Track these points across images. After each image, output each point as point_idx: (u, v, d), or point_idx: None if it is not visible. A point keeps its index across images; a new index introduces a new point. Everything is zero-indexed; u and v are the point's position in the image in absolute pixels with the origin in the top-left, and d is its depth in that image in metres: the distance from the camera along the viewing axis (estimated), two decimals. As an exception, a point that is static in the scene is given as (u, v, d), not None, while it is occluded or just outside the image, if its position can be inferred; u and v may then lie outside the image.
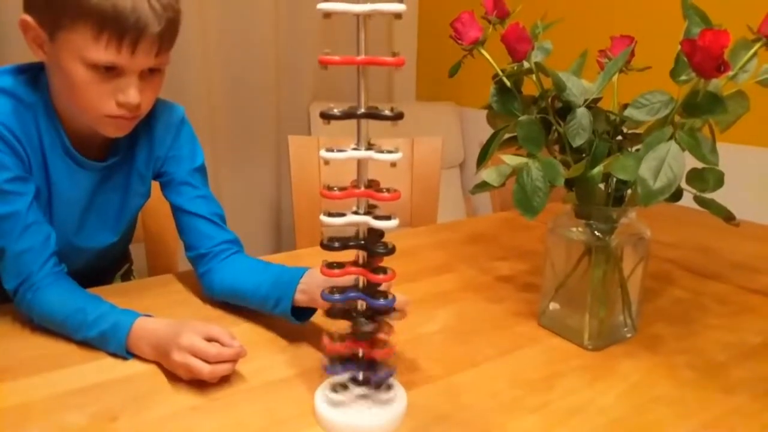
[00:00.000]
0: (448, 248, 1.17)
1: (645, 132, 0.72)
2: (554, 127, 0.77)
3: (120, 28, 0.71)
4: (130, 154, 0.90)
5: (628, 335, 0.82)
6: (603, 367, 0.75)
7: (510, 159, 0.75)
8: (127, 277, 1.16)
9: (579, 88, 0.74)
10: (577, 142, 0.72)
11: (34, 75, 0.81)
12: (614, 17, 1.87)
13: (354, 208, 0.58)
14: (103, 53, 0.72)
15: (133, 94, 0.75)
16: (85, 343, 0.75)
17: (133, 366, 0.72)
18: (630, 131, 0.79)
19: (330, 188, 0.56)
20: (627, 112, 0.68)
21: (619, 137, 0.79)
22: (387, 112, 0.54)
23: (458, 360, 0.76)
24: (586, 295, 0.79)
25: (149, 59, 0.75)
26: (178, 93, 1.88)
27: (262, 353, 0.76)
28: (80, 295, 0.78)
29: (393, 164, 0.55)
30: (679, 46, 0.62)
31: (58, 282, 0.79)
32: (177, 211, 0.91)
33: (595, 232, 0.78)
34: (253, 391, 0.68)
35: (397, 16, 0.51)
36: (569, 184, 0.76)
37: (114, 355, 0.74)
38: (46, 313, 0.77)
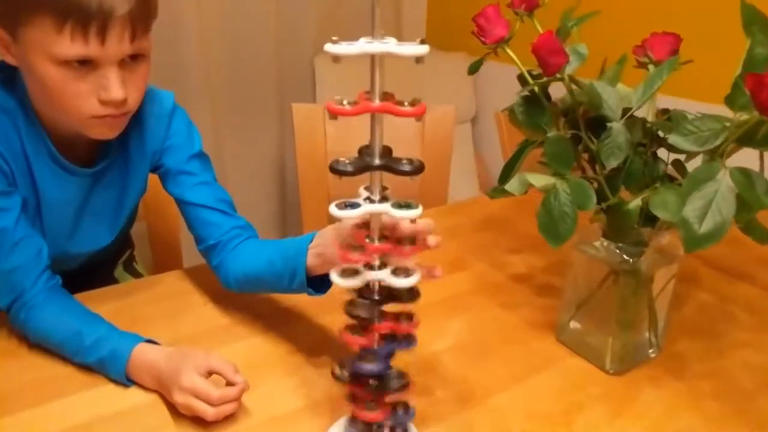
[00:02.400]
0: (459, 237, 1.12)
1: (689, 156, 0.65)
2: (584, 142, 0.70)
3: (83, 16, 0.63)
4: (122, 153, 0.83)
5: (652, 355, 0.78)
6: (625, 398, 0.71)
7: (536, 179, 0.68)
8: (129, 264, 1.13)
9: (615, 100, 0.66)
10: (612, 164, 0.65)
11: (8, 76, 0.73)
12: (651, 8, 1.68)
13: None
14: (69, 46, 0.64)
15: (115, 88, 0.68)
16: (85, 366, 0.72)
17: (134, 396, 0.69)
18: (664, 135, 0.72)
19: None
20: (672, 140, 0.61)
21: (654, 148, 0.72)
22: (405, 164, 0.48)
23: (472, 388, 0.72)
24: (609, 317, 0.75)
25: (124, 46, 0.67)
26: (173, 52, 1.77)
27: (268, 377, 0.73)
28: (75, 316, 0.74)
29: (412, 220, 0.49)
30: (740, 76, 0.55)
31: (51, 299, 0.75)
32: (180, 203, 0.85)
33: (624, 255, 0.72)
34: (260, 428, 0.65)
35: (419, 59, 0.43)
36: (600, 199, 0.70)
37: (114, 380, 0.71)
38: (42, 334, 0.74)
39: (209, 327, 0.83)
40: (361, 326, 0.53)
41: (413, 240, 0.52)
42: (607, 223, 0.70)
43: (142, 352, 0.69)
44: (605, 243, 0.75)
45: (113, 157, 0.83)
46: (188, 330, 0.82)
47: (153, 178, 0.90)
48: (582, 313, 0.79)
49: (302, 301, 0.88)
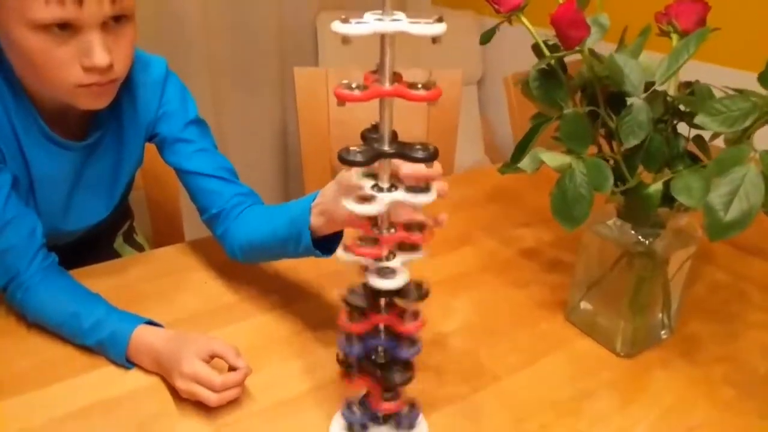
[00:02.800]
0: (466, 210, 1.09)
1: (714, 135, 0.62)
2: (603, 119, 0.66)
3: None
4: (115, 124, 0.80)
5: (664, 336, 0.77)
6: (635, 384, 0.70)
7: (550, 158, 0.65)
8: (129, 235, 1.10)
9: (638, 75, 0.62)
10: (631, 142, 0.62)
11: None
12: None
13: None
14: (44, 9, 0.61)
15: (98, 53, 0.64)
16: (85, 347, 0.71)
17: (136, 379, 0.68)
18: (687, 109, 0.68)
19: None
20: (699, 120, 0.57)
21: (676, 121, 0.68)
22: (419, 150, 0.44)
23: (480, 371, 0.71)
24: (621, 299, 0.72)
25: (104, 6, 0.63)
26: (171, 16, 1.70)
27: (273, 359, 0.71)
28: (73, 297, 0.72)
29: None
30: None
31: (48, 279, 0.73)
32: (179, 173, 0.82)
33: (639, 237, 0.69)
34: (265, 414, 0.64)
35: (435, 40, 0.40)
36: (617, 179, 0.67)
37: (114, 361, 0.69)
38: (39, 315, 0.72)
39: (211, 306, 0.81)
40: (361, 314, 0.51)
41: (421, 226, 0.49)
42: (624, 204, 0.67)
43: (142, 335, 0.67)
44: (619, 223, 0.73)
45: (106, 128, 0.79)
46: (189, 309, 0.80)
47: (150, 147, 0.87)
48: (593, 294, 0.77)
49: (309, 276, 0.86)
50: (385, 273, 0.48)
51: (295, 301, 0.82)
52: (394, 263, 0.49)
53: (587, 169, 0.63)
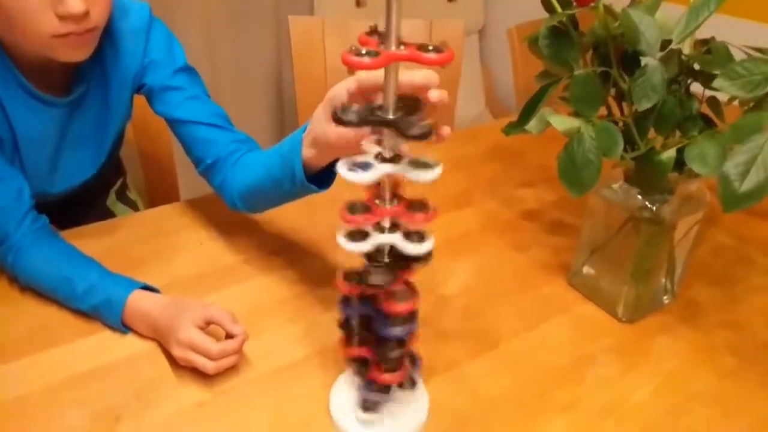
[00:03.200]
0: (466, 169, 1.06)
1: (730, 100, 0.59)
2: (615, 79, 0.63)
3: None
4: (100, 78, 0.76)
5: (666, 301, 0.76)
6: (637, 350, 0.69)
7: (558, 121, 0.62)
8: (122, 193, 1.08)
9: (654, 33, 0.58)
10: (644, 105, 0.59)
11: None
12: None
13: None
14: None
15: (72, 0, 0.61)
16: (79, 312, 0.70)
17: (132, 344, 0.67)
18: (702, 69, 0.65)
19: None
20: (717, 83, 0.54)
21: (689, 81, 0.65)
22: (415, 129, 0.41)
23: (480, 336, 0.70)
24: (625, 264, 0.71)
25: None
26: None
27: (272, 324, 0.71)
28: (65, 260, 0.70)
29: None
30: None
31: (39, 242, 0.71)
32: (171, 123, 0.79)
33: (646, 202, 0.67)
34: (263, 381, 0.64)
35: None
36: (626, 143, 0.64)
37: (110, 326, 0.68)
38: (32, 279, 0.71)
39: (207, 268, 0.80)
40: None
41: (424, 205, 0.47)
42: (633, 170, 0.65)
43: (137, 301, 0.66)
44: (625, 187, 0.70)
45: (90, 82, 0.76)
46: (185, 271, 0.79)
47: (141, 100, 0.84)
48: (596, 259, 0.75)
49: (310, 236, 0.85)
50: (413, 237, 0.46)
51: (296, 263, 0.80)
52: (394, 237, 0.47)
53: (596, 134, 0.60)
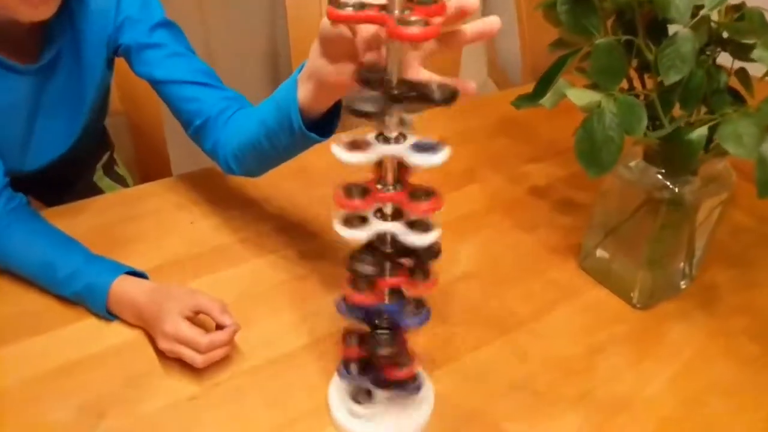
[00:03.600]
0: (471, 142, 1.01)
1: None
2: (640, 49, 0.57)
3: None
4: (71, 40, 0.71)
5: (683, 286, 0.72)
6: (651, 338, 0.66)
7: (577, 96, 0.57)
8: (110, 167, 1.03)
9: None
10: (672, 78, 0.54)
11: None
12: None
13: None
14: None
15: None
16: (62, 298, 0.66)
17: (118, 333, 0.63)
18: (732, 38, 0.59)
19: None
20: (756, 54, 0.49)
21: (719, 50, 0.60)
22: (435, 92, 0.37)
23: (486, 324, 0.66)
24: (642, 248, 0.67)
25: None
26: None
27: (266, 311, 0.67)
28: (46, 243, 0.66)
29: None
30: None
31: (16, 224, 0.66)
32: (154, 85, 0.73)
33: (667, 182, 0.63)
34: (258, 372, 0.60)
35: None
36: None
37: (95, 313, 0.65)
38: (11, 263, 0.66)
39: (198, 249, 0.75)
40: (367, 281, 0.45)
41: (429, 192, 0.42)
42: (657, 149, 0.60)
43: (121, 287, 0.62)
44: (642, 165, 0.66)
45: (60, 46, 0.70)
46: (174, 252, 0.74)
47: (126, 66, 0.78)
48: (610, 241, 0.71)
49: (308, 215, 0.81)
50: (417, 226, 0.42)
51: (294, 242, 0.76)
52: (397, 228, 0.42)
53: (618, 109, 0.55)
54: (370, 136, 0.40)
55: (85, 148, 0.91)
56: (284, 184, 0.86)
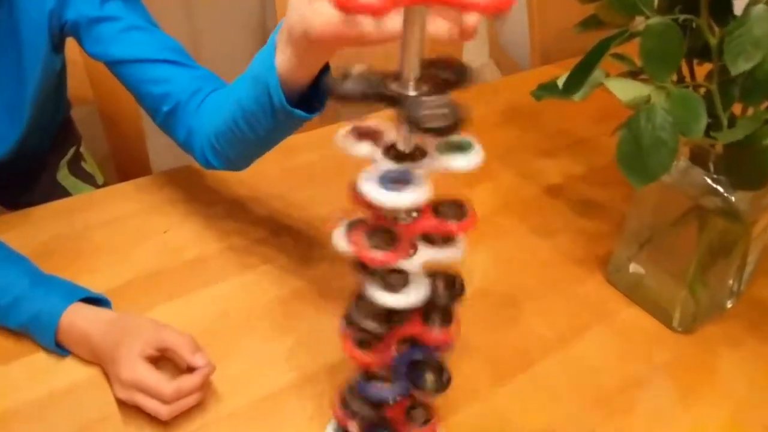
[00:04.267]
0: (478, 135, 0.91)
1: None
2: (693, 28, 0.48)
3: None
4: (6, 21, 0.60)
5: (729, 305, 0.63)
6: (698, 368, 0.57)
7: (620, 88, 0.47)
8: (75, 164, 0.92)
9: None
10: (740, 67, 0.44)
11: None
12: None
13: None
14: None
15: None
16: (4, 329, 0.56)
17: (73, 369, 0.53)
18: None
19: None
20: None
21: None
22: (432, 113, 0.27)
23: (506, 354, 0.57)
24: (685, 263, 0.58)
25: None
26: None
27: (247, 341, 0.57)
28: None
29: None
30: None
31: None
32: (111, 67, 0.62)
33: (720, 188, 0.53)
34: (238, 418, 0.50)
35: None
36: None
37: (45, 347, 0.55)
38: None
39: (172, 263, 0.65)
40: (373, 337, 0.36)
41: (461, 210, 0.32)
42: (715, 153, 0.50)
43: (73, 318, 0.52)
44: (687, 165, 0.56)
45: None
46: (144, 267, 0.64)
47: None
48: (646, 254, 0.62)
49: (299, 222, 0.71)
50: (394, 283, 0.32)
51: (282, 255, 0.66)
52: (412, 264, 0.33)
53: (672, 105, 0.45)
54: (377, 153, 0.30)
55: (40, 143, 0.80)
56: (275, 183, 0.76)
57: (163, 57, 0.60)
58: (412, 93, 0.28)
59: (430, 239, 0.34)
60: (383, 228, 0.31)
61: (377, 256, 0.30)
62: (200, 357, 0.48)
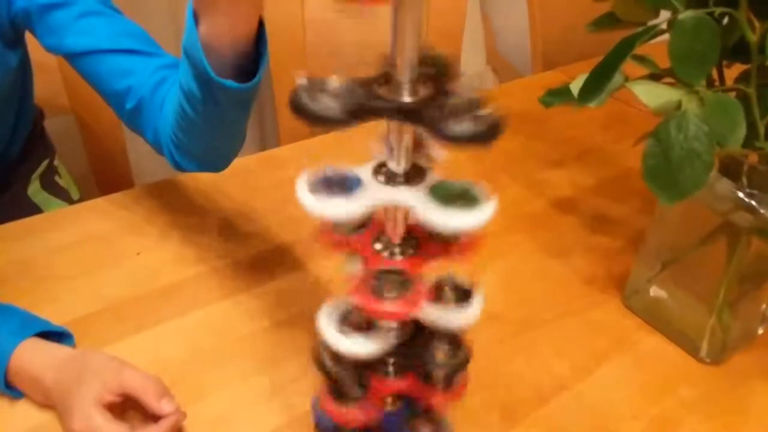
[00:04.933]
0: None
1: None
2: (728, 24, 0.42)
3: None
4: None
5: (761, 332, 0.57)
6: (732, 405, 0.51)
7: (647, 93, 0.41)
8: (48, 178, 0.86)
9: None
10: (784, 67, 0.38)
11: None
12: None
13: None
14: None
15: None
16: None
17: (27, 414, 0.47)
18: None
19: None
20: None
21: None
22: (461, 119, 0.21)
23: (515, 391, 0.51)
24: (713, 286, 0.52)
25: None
26: None
27: (225, 378, 0.51)
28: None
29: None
30: None
31: None
32: (69, 60, 0.57)
33: (758, 206, 0.48)
34: (212, 472, 0.44)
35: None
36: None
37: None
38: None
39: (143, 289, 0.59)
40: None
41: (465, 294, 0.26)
42: (751, 167, 0.45)
43: (24, 356, 0.46)
44: (717, 177, 0.50)
45: None
46: (113, 294, 0.58)
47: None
48: (669, 276, 0.56)
49: (284, 240, 0.65)
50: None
51: (264, 281, 0.60)
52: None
53: (707, 112, 0.40)
54: (365, 170, 0.24)
55: (5, 152, 0.74)
56: (264, 198, 0.70)
57: (123, 46, 0.55)
58: (410, 98, 0.22)
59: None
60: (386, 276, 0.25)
61: (387, 308, 0.24)
62: (167, 403, 0.42)
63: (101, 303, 0.57)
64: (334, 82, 0.22)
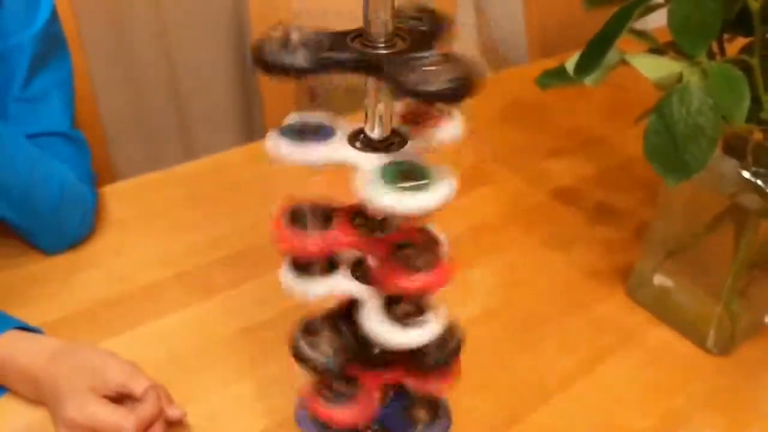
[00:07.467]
0: (476, 132, 0.83)
1: None
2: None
3: None
4: None
5: (767, 320, 0.54)
6: (743, 398, 0.48)
7: (646, 65, 0.39)
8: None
9: None
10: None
11: None
12: None
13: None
14: None
15: None
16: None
17: (14, 413, 0.44)
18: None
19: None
20: None
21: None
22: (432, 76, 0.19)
23: (521, 386, 0.49)
24: (721, 274, 0.49)
25: None
26: None
27: (207, 382, 0.48)
28: None
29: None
30: None
31: None
32: None
33: (760, 182, 0.45)
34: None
35: None
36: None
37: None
38: None
39: (123, 289, 0.56)
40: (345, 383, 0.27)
41: (430, 244, 0.24)
42: (753, 142, 0.42)
43: (9, 351, 0.44)
44: (721, 157, 0.48)
45: None
46: (92, 295, 0.56)
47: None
48: (674, 264, 0.53)
49: (266, 239, 0.62)
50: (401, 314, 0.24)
51: (247, 281, 0.57)
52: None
53: (710, 84, 0.37)
54: (341, 131, 0.22)
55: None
56: (246, 195, 0.68)
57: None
58: (386, 51, 0.19)
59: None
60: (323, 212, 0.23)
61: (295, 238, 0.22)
62: (173, 407, 0.41)
63: (73, 306, 0.54)
64: (304, 32, 0.20)
